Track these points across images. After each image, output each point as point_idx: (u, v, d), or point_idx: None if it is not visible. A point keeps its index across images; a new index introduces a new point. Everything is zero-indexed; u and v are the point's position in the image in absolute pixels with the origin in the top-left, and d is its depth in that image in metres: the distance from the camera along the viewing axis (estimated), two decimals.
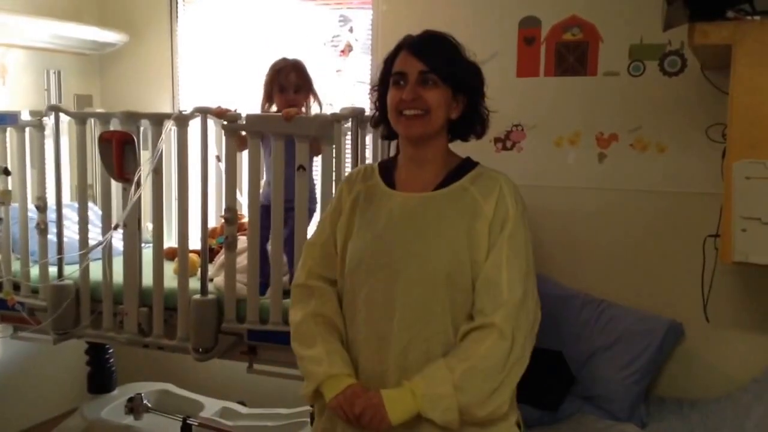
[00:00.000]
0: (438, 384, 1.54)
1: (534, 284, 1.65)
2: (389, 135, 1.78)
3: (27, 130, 2.81)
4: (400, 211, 1.67)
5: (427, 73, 1.62)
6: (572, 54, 2.95)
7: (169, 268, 2.69)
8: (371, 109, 1.81)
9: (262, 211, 2.45)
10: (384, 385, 1.61)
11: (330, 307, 1.72)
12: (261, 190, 2.53)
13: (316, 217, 2.49)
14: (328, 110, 2.63)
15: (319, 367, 1.63)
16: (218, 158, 3.11)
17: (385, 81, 1.70)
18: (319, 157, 2.43)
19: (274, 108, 2.63)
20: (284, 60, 2.68)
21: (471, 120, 1.71)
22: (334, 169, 2.36)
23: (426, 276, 1.60)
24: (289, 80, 2.58)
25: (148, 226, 2.85)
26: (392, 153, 2.62)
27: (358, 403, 1.57)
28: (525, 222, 1.66)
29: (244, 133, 2.47)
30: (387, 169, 1.76)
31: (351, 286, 1.69)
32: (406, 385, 1.57)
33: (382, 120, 1.75)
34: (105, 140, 2.53)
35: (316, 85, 2.70)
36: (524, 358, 1.61)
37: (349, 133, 2.46)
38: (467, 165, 1.73)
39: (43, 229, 2.76)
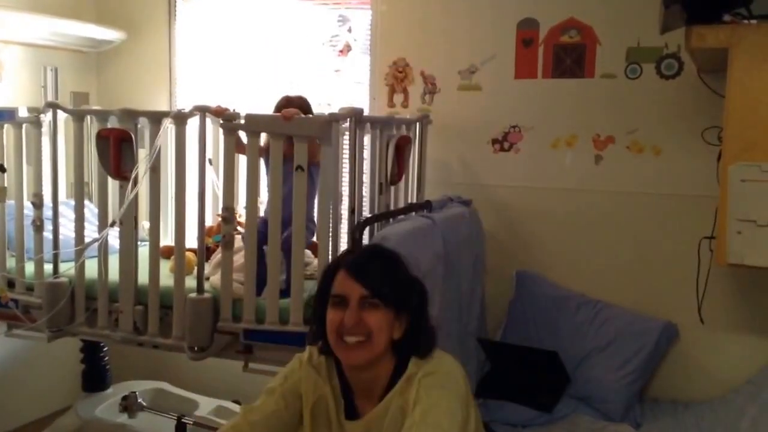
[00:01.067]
0: None
1: None
2: (328, 352, 1.64)
3: (24, 126, 2.80)
4: None
5: (368, 298, 1.54)
6: (570, 56, 2.96)
7: (165, 266, 2.69)
8: (310, 323, 1.72)
9: (261, 227, 2.45)
10: None
11: None
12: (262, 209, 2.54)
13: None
14: (326, 110, 2.63)
15: None
16: (210, 161, 3.10)
17: (323, 296, 1.61)
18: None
19: None
20: (287, 98, 2.67)
21: (415, 338, 1.60)
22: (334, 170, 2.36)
23: None
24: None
25: (144, 224, 2.85)
26: (390, 155, 2.63)
27: None
28: (448, 405, 1.50)
29: (243, 137, 2.47)
30: (344, 384, 1.66)
31: None
32: None
33: (321, 335, 1.63)
34: (102, 137, 2.52)
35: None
36: None
37: (347, 133, 2.45)
38: (399, 372, 1.60)
39: (39, 226, 2.75)
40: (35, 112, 2.76)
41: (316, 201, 2.46)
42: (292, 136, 2.36)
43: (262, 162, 2.58)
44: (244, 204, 2.51)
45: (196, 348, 2.49)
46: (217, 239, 2.77)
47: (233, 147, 2.50)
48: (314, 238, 2.54)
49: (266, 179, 2.60)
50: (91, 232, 2.74)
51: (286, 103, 2.65)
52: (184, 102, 3.63)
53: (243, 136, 2.49)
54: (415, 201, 2.93)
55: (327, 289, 1.59)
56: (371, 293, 1.54)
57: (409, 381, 1.56)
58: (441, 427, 1.46)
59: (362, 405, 1.63)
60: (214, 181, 3.09)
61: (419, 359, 1.58)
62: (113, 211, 2.67)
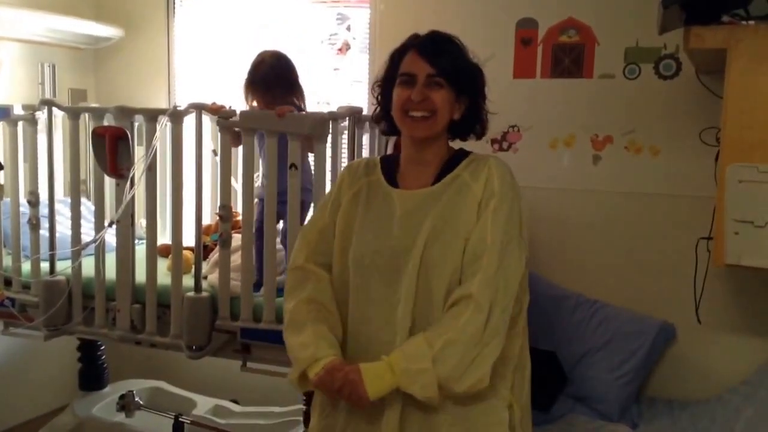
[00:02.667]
0: (417, 359, 1.55)
1: (519, 253, 1.66)
2: (390, 131, 1.81)
3: (19, 124, 2.80)
4: (402, 210, 1.70)
5: (435, 76, 1.65)
6: (568, 56, 2.96)
7: (163, 264, 2.69)
8: (373, 104, 1.83)
9: (258, 205, 2.45)
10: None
11: (324, 293, 1.74)
12: (255, 184, 2.52)
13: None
14: (324, 108, 2.63)
15: (305, 351, 1.65)
16: (215, 152, 3.10)
17: (390, 77, 1.73)
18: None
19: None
20: (260, 56, 2.69)
21: (472, 121, 1.76)
22: (329, 168, 2.36)
23: (429, 270, 1.63)
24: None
25: (141, 222, 2.84)
26: (389, 151, 2.63)
27: (338, 377, 1.58)
28: (512, 197, 1.69)
29: (237, 129, 2.47)
30: (389, 165, 1.80)
31: (356, 279, 1.71)
32: (385, 359, 1.58)
33: (384, 116, 1.79)
34: (98, 135, 2.52)
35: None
36: (501, 331, 1.60)
37: (346, 132, 2.45)
38: (460, 155, 1.76)
39: (35, 225, 2.75)
40: (31, 110, 2.75)
41: (312, 169, 2.45)
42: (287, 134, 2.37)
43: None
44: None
45: (193, 347, 2.49)
46: (214, 238, 2.76)
47: (229, 144, 2.50)
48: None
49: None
50: (87, 230, 2.73)
51: (260, 62, 2.64)
52: (182, 99, 3.63)
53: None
54: None
55: (395, 69, 1.71)
56: (438, 71, 1.65)
57: (478, 163, 1.71)
58: (502, 227, 1.64)
59: (408, 183, 1.75)
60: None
61: (477, 156, 1.74)
62: (110, 210, 2.66)
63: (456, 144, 1.80)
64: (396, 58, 1.72)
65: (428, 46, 1.68)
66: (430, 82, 1.66)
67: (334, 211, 1.78)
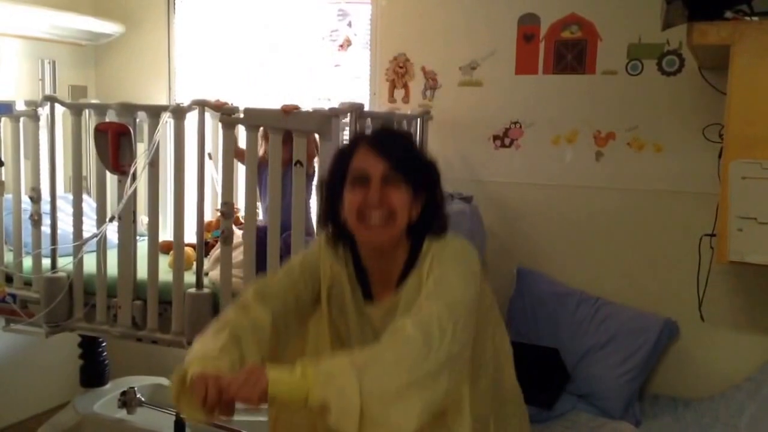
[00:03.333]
0: (336, 373, 1.28)
1: (460, 327, 1.41)
2: (339, 235, 1.62)
3: (21, 120, 2.79)
4: (380, 323, 1.58)
5: (392, 173, 1.51)
6: (571, 52, 2.95)
7: (164, 261, 2.68)
8: (318, 207, 1.70)
9: (260, 234, 2.45)
10: None
11: (254, 334, 1.51)
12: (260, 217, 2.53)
13: None
14: (326, 105, 2.62)
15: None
16: (210, 156, 3.09)
17: (338, 177, 1.57)
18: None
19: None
20: None
21: (430, 219, 1.58)
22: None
23: None
24: None
25: (143, 219, 2.84)
26: None
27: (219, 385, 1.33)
28: (462, 274, 1.50)
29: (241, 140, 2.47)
30: (359, 269, 1.64)
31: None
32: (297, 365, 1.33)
33: (332, 219, 1.61)
34: (100, 131, 2.51)
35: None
36: (440, 378, 1.33)
37: (348, 128, 2.44)
38: (418, 245, 1.58)
39: (36, 221, 2.74)
40: (33, 106, 2.75)
41: (313, 210, 2.45)
42: (292, 132, 2.36)
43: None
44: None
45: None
46: (216, 234, 2.76)
47: (232, 141, 2.49)
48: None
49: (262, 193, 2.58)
50: (89, 226, 2.73)
51: None
52: (182, 96, 3.62)
53: (241, 139, 2.48)
54: None
55: (343, 169, 1.55)
56: (394, 167, 1.51)
57: (423, 259, 1.55)
58: (454, 295, 1.44)
59: (379, 291, 1.62)
60: (214, 175, 3.08)
61: (433, 239, 1.56)
62: (112, 206, 2.66)
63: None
64: (344, 155, 1.57)
65: (381, 141, 1.54)
66: (387, 181, 1.50)
67: (305, 281, 1.63)
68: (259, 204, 2.63)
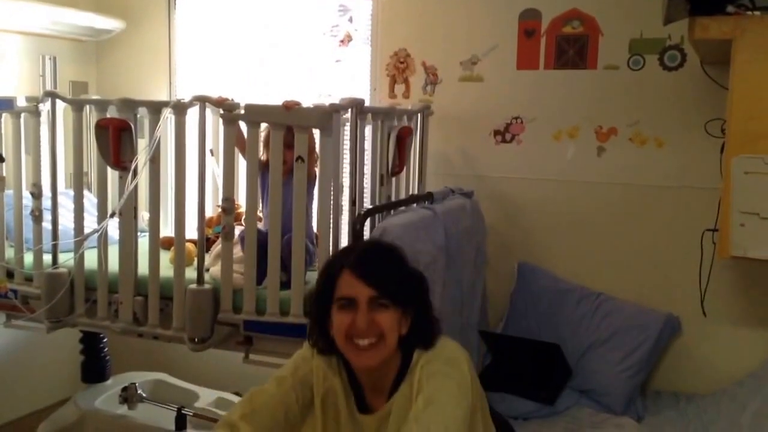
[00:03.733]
0: None
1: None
2: (328, 350, 1.61)
3: (22, 116, 2.79)
4: None
5: (378, 299, 1.50)
6: (572, 47, 2.94)
7: (165, 257, 2.68)
8: (308, 323, 1.69)
9: (260, 237, 2.44)
10: None
11: None
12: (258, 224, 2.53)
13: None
14: (326, 101, 2.61)
15: None
16: (211, 152, 3.09)
17: (325, 295, 1.56)
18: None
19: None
20: None
21: (420, 331, 1.57)
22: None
23: None
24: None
25: (144, 214, 2.83)
26: (392, 146, 2.62)
27: None
28: (451, 391, 1.48)
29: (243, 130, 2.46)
30: (353, 379, 1.64)
31: None
32: None
33: (320, 334, 1.60)
34: (101, 127, 2.51)
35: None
36: None
37: (348, 123, 2.44)
38: (409, 355, 1.58)
39: (37, 216, 2.74)
40: (34, 102, 2.75)
41: (314, 214, 2.44)
42: (293, 127, 2.35)
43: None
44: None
45: (196, 339, 2.48)
46: (217, 230, 2.75)
47: (233, 137, 2.49)
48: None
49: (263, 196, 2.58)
50: (90, 222, 2.72)
51: None
52: (183, 92, 3.62)
53: (243, 128, 2.47)
54: (416, 192, 2.92)
55: (329, 289, 1.55)
56: (380, 294, 1.50)
57: (413, 370, 1.54)
58: (445, 415, 1.43)
59: (373, 400, 1.61)
60: (215, 171, 3.07)
61: (422, 349, 1.56)
62: (113, 202, 2.65)
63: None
64: (330, 274, 1.55)
65: (364, 266, 1.52)
66: (374, 305, 1.50)
67: (295, 389, 1.61)
68: (260, 210, 2.62)
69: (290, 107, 2.34)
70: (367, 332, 1.49)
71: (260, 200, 2.57)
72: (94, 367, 3.30)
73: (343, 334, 1.51)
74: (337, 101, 2.37)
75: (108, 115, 2.59)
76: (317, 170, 2.50)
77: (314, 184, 2.49)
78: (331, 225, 2.35)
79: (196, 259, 2.54)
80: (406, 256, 1.61)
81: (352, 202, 2.38)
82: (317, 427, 1.63)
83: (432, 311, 1.61)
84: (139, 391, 2.96)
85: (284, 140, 2.39)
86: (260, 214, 2.63)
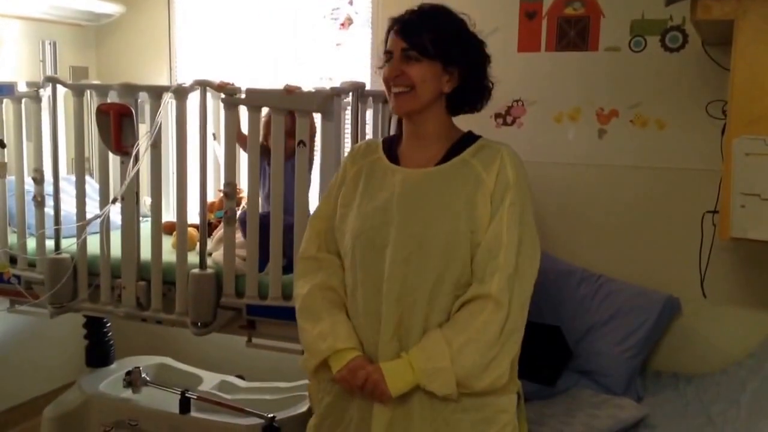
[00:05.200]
0: (436, 358, 1.56)
1: (534, 252, 1.65)
2: None
3: (23, 101, 2.79)
4: (402, 187, 1.67)
5: (408, 50, 1.63)
6: (573, 29, 2.93)
7: (168, 242, 2.69)
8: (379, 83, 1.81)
9: (262, 219, 2.45)
10: (381, 357, 1.63)
11: (337, 279, 1.74)
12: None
13: None
14: (327, 84, 2.61)
15: (323, 342, 1.66)
16: (214, 136, 3.09)
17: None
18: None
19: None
20: None
21: (466, 93, 1.70)
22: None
23: (421, 250, 1.61)
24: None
25: (146, 199, 2.84)
26: (392, 129, 2.63)
27: (360, 375, 1.61)
28: (526, 190, 1.67)
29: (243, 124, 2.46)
30: (390, 145, 1.78)
31: (351, 261, 1.70)
32: (405, 358, 1.60)
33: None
34: (102, 112, 2.51)
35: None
36: (520, 328, 1.63)
37: (350, 107, 2.44)
38: (469, 138, 1.72)
39: (39, 202, 2.75)
40: (34, 87, 2.74)
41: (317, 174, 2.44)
42: (294, 112, 2.35)
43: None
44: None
45: (199, 323, 2.50)
46: (219, 215, 2.76)
47: (234, 122, 2.49)
48: None
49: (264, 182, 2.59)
50: (92, 208, 2.73)
51: None
52: (184, 76, 3.61)
53: (243, 121, 2.47)
54: None
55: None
56: (410, 45, 1.63)
57: (490, 151, 1.68)
58: (531, 237, 1.64)
59: (411, 162, 1.72)
60: (217, 154, 3.07)
61: (490, 143, 1.70)
62: (114, 187, 2.66)
63: (459, 120, 1.77)
64: (387, 33, 1.72)
65: (405, 22, 1.66)
66: (405, 57, 1.64)
67: (338, 195, 1.78)
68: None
69: (291, 91, 2.34)
70: (397, 81, 1.65)
71: (260, 182, 2.58)
72: (98, 351, 3.32)
73: (384, 84, 1.69)
74: (338, 85, 2.37)
75: (109, 100, 2.59)
76: (317, 153, 2.51)
77: (312, 164, 2.50)
78: None
79: (198, 243, 2.55)
80: (460, 18, 1.70)
81: None
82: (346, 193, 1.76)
83: (484, 78, 1.72)
84: (143, 375, 2.98)
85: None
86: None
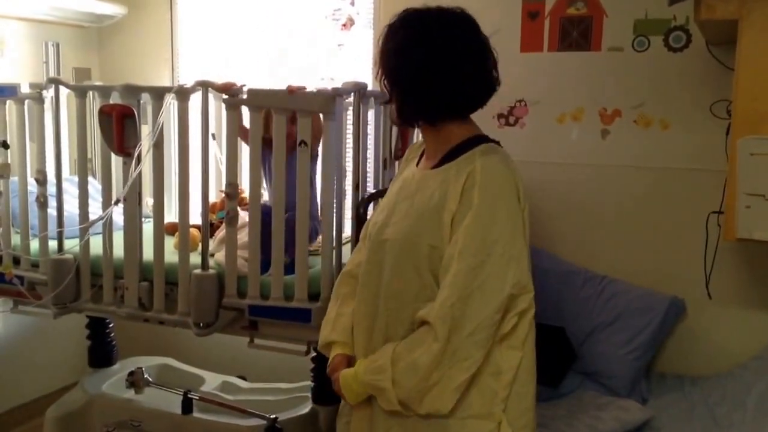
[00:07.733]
0: (379, 375, 1.60)
1: (501, 271, 1.54)
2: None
3: (26, 102, 2.79)
4: (401, 188, 1.73)
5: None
6: (576, 29, 2.92)
7: (170, 242, 2.68)
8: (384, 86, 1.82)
9: (264, 211, 2.44)
10: (358, 354, 1.74)
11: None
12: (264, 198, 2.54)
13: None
14: (329, 85, 2.60)
15: (325, 329, 1.81)
16: (213, 136, 3.09)
17: None
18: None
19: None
20: None
21: (405, 106, 1.70)
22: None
23: (386, 254, 1.65)
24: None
25: (148, 200, 2.84)
26: (394, 130, 2.63)
27: (334, 378, 1.75)
28: (499, 207, 1.55)
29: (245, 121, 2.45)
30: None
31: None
32: (353, 369, 1.68)
33: None
34: (105, 113, 2.51)
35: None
36: (470, 354, 1.51)
37: (351, 108, 2.43)
38: (468, 144, 1.65)
39: (42, 203, 2.75)
40: (37, 88, 2.74)
41: (318, 190, 2.44)
42: (296, 112, 2.35)
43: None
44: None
45: (201, 324, 2.49)
46: (221, 216, 2.76)
47: (236, 122, 2.48)
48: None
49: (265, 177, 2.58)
50: (95, 208, 2.73)
51: None
52: (186, 77, 3.61)
53: (245, 120, 2.47)
54: None
55: None
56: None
57: (467, 162, 1.61)
58: (473, 249, 1.54)
59: (423, 165, 1.75)
60: (218, 156, 3.07)
61: (481, 153, 1.61)
62: (117, 188, 2.66)
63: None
64: None
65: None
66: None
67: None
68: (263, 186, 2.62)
69: (293, 92, 2.33)
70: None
71: (263, 177, 2.57)
72: (101, 352, 3.31)
73: None
74: (339, 85, 2.36)
75: (111, 102, 2.59)
76: (320, 149, 2.50)
77: (317, 160, 2.49)
78: (335, 209, 2.35)
79: (200, 244, 2.54)
80: (402, 33, 1.71)
81: (355, 187, 2.38)
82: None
83: (421, 88, 1.63)
84: (145, 376, 2.98)
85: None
86: (263, 191, 2.63)
